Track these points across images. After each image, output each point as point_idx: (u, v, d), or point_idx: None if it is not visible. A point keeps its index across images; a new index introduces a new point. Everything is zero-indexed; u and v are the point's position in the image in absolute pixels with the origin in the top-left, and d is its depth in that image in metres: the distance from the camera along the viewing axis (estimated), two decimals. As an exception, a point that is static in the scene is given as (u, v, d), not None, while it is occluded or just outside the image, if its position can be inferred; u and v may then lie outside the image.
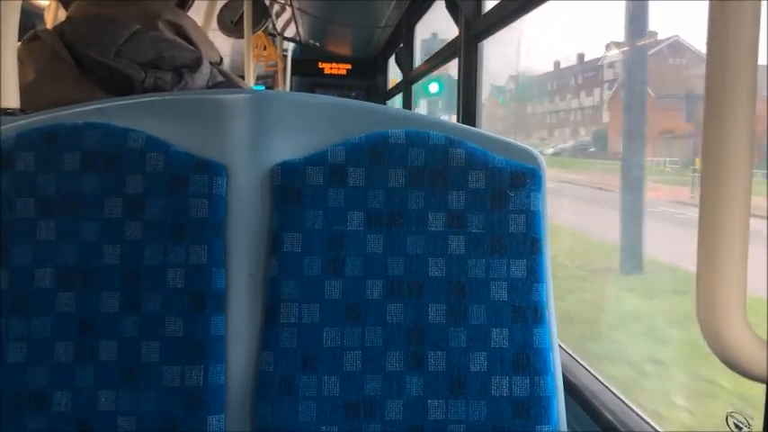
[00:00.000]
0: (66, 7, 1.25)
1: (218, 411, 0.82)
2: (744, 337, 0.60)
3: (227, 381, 0.83)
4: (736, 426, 0.85)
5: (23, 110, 0.97)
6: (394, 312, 0.84)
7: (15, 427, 0.80)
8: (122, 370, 0.81)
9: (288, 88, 6.30)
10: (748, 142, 0.58)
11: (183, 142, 0.85)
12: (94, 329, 0.82)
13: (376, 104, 0.93)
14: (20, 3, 0.98)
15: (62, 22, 1.17)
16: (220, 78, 1.18)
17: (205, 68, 1.14)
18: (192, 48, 1.16)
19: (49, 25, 2.28)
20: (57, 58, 1.08)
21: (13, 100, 0.97)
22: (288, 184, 0.85)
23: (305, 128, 0.87)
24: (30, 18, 2.85)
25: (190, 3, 1.28)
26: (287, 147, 0.86)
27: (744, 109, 0.58)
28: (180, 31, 1.18)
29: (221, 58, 1.26)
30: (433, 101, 6.42)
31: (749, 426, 0.84)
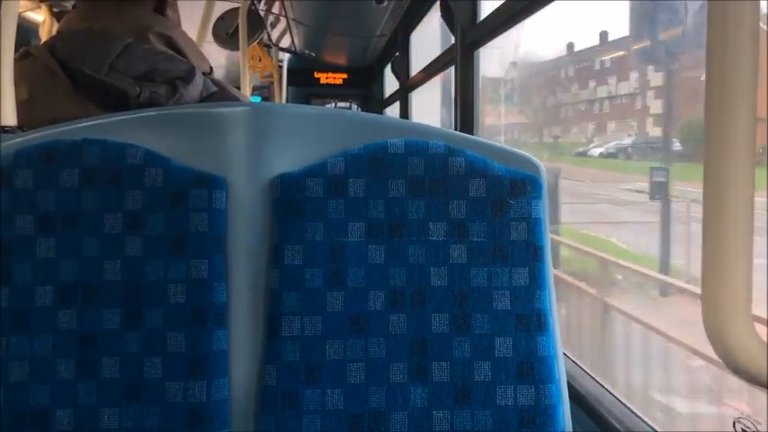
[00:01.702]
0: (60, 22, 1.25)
1: (223, 427, 0.81)
2: (749, 343, 0.59)
3: (231, 395, 0.83)
4: (744, 431, 0.84)
5: (21, 127, 0.97)
6: (397, 323, 0.83)
7: None
8: (125, 387, 0.81)
9: (284, 99, 6.31)
10: (750, 143, 0.58)
11: (182, 156, 0.85)
12: (96, 346, 0.81)
13: (374, 114, 0.93)
14: (16, 20, 0.98)
15: (53, 37, 1.16)
16: (214, 88, 1.17)
17: (198, 79, 1.14)
18: (183, 59, 1.16)
19: (43, 40, 2.27)
20: (50, 76, 1.07)
21: (10, 117, 0.96)
22: (288, 197, 0.84)
23: (304, 139, 0.87)
24: (25, 34, 2.85)
25: (165, 5, 1.25)
26: (286, 159, 0.86)
27: (745, 112, 0.58)
28: (170, 43, 1.17)
29: (211, 68, 1.25)
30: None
31: (757, 431, 0.84)
